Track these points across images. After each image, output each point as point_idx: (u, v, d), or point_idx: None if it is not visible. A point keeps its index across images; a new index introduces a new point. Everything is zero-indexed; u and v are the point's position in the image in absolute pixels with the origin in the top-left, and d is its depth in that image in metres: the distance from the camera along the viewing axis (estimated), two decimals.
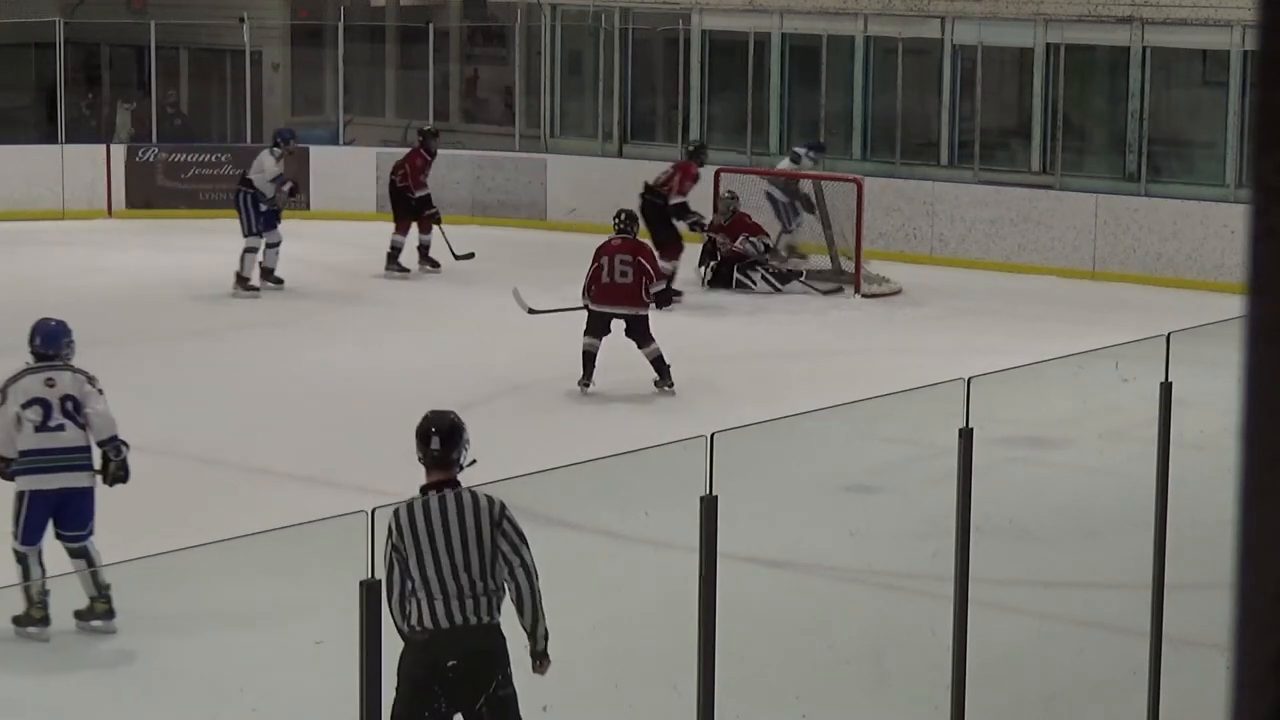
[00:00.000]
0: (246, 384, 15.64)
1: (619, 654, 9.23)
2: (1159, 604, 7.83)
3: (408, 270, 20.68)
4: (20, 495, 9.50)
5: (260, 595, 9.75)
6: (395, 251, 20.72)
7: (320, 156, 24.79)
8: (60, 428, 9.51)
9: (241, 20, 25.68)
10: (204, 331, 17.59)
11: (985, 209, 21.64)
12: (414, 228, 20.84)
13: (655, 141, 24.68)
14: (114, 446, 9.58)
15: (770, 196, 21.30)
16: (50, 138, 24.54)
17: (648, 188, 19.89)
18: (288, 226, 23.81)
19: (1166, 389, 7.79)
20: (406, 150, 21.94)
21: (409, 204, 20.75)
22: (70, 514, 9.57)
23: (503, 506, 7.08)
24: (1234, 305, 2.13)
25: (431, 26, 26.05)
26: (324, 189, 24.53)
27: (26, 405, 9.49)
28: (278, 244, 19.81)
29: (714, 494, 6.17)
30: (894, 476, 12.47)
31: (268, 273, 19.76)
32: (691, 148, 20.98)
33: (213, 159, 24.63)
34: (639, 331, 15.41)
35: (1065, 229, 21.22)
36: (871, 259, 20.49)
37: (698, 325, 18.47)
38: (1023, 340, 16.67)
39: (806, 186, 21.19)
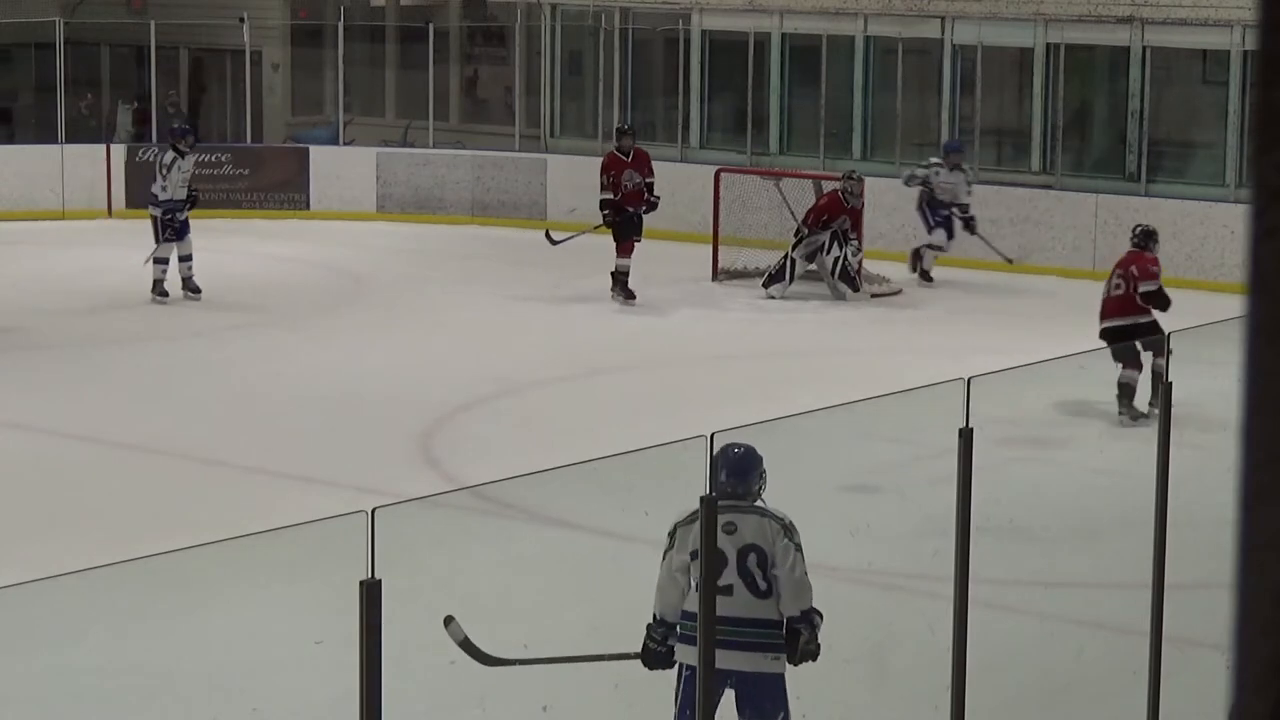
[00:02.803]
0: (246, 384, 15.63)
1: None
2: (1159, 604, 7.82)
3: (634, 296, 19.15)
4: (679, 669, 7.44)
5: (260, 595, 9.74)
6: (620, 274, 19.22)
7: (320, 156, 24.80)
8: (727, 590, 7.17)
9: (241, 20, 25.69)
10: (204, 331, 17.58)
11: (985, 209, 21.62)
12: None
13: (655, 141, 24.64)
14: (807, 621, 7.35)
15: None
16: (50, 138, 24.54)
17: None
18: (286, 226, 23.86)
19: (1166, 389, 7.78)
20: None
21: (629, 219, 19.28)
22: (750, 702, 7.44)
23: None
24: (1234, 305, 2.13)
25: (431, 26, 26.05)
26: (324, 189, 24.54)
27: (695, 557, 7.20)
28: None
29: (714, 494, 6.17)
30: (894, 476, 12.46)
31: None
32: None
33: (213, 159, 24.62)
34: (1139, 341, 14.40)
35: (1065, 229, 21.22)
36: (871, 259, 20.48)
37: (699, 325, 18.48)
38: (1023, 340, 16.66)
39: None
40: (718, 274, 20.47)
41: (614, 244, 19.18)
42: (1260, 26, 1.54)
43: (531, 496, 10.57)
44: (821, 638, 7.39)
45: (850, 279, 19.57)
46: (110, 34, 27.69)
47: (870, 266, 20.21)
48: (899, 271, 20.50)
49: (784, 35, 23.53)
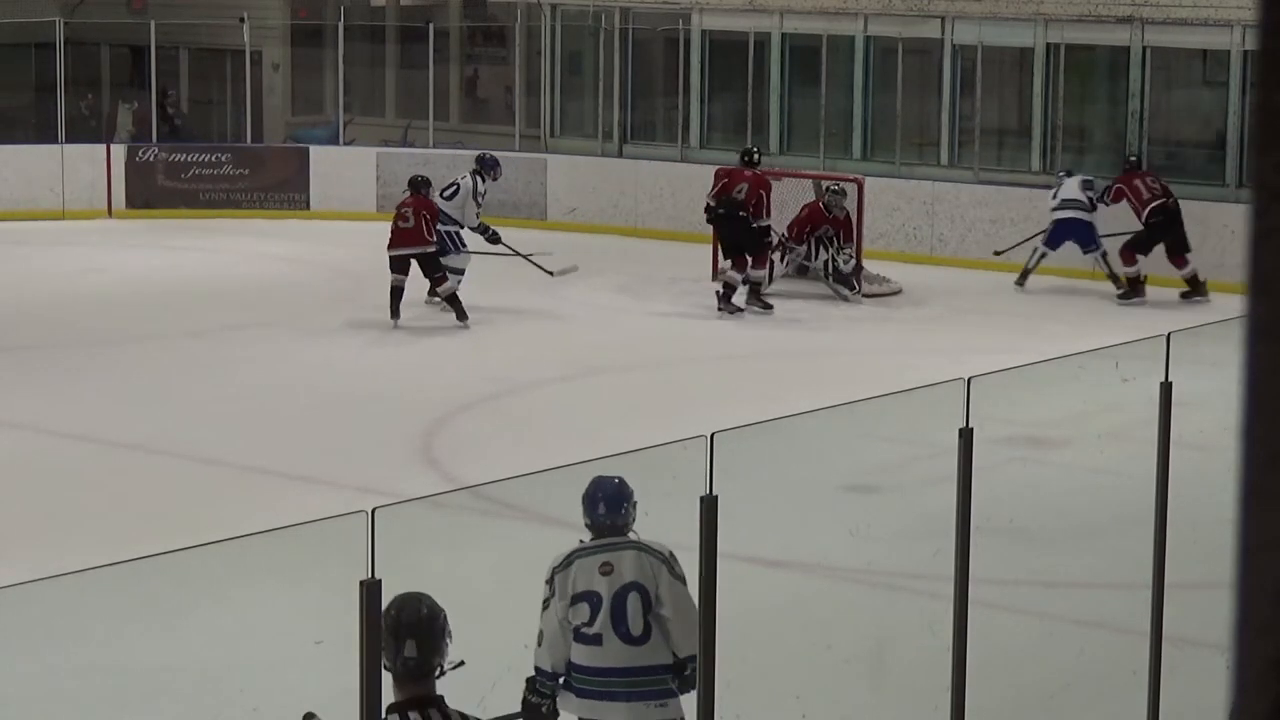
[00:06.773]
0: (246, 384, 15.63)
1: None
2: (1159, 604, 7.82)
3: (742, 310, 18.82)
4: None
5: (260, 595, 9.74)
6: (730, 290, 18.87)
7: (320, 156, 24.79)
8: (596, 639, 6.86)
9: (241, 20, 25.69)
10: (203, 332, 17.58)
11: (985, 209, 21.62)
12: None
13: (655, 141, 24.67)
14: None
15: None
16: (50, 138, 24.54)
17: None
18: (286, 226, 23.85)
19: (1166, 389, 7.77)
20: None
21: (750, 234, 19.01)
22: None
23: None
24: (1234, 305, 2.13)
25: (431, 26, 26.05)
26: (324, 189, 24.54)
27: (575, 601, 6.92)
28: None
29: (714, 494, 6.16)
30: (894, 476, 12.47)
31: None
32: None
33: (213, 159, 24.63)
34: None
35: None
36: (871, 259, 20.49)
37: (699, 325, 18.47)
38: (1023, 340, 16.67)
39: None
40: (717, 274, 20.47)
41: (750, 259, 18.93)
42: (1260, 26, 1.54)
43: (531, 496, 10.56)
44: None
45: (845, 279, 19.58)
46: (110, 34, 27.69)
47: (870, 266, 20.22)
48: (899, 271, 20.50)
49: (784, 35, 23.53)
